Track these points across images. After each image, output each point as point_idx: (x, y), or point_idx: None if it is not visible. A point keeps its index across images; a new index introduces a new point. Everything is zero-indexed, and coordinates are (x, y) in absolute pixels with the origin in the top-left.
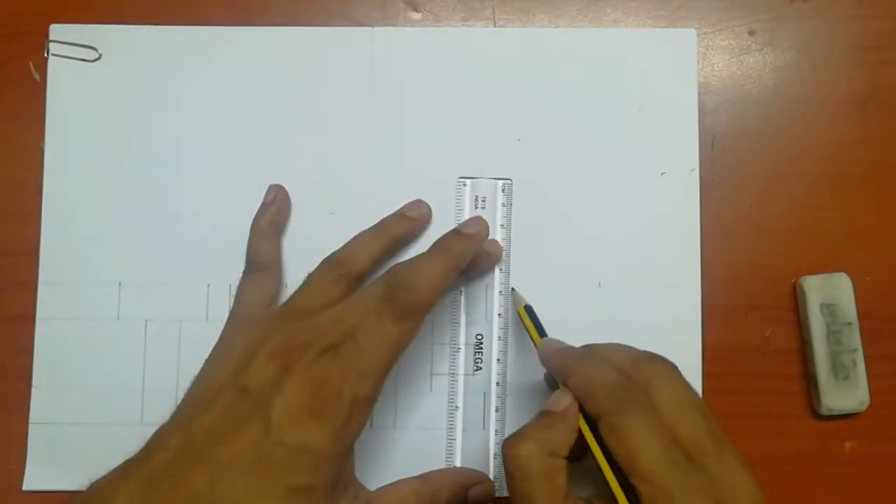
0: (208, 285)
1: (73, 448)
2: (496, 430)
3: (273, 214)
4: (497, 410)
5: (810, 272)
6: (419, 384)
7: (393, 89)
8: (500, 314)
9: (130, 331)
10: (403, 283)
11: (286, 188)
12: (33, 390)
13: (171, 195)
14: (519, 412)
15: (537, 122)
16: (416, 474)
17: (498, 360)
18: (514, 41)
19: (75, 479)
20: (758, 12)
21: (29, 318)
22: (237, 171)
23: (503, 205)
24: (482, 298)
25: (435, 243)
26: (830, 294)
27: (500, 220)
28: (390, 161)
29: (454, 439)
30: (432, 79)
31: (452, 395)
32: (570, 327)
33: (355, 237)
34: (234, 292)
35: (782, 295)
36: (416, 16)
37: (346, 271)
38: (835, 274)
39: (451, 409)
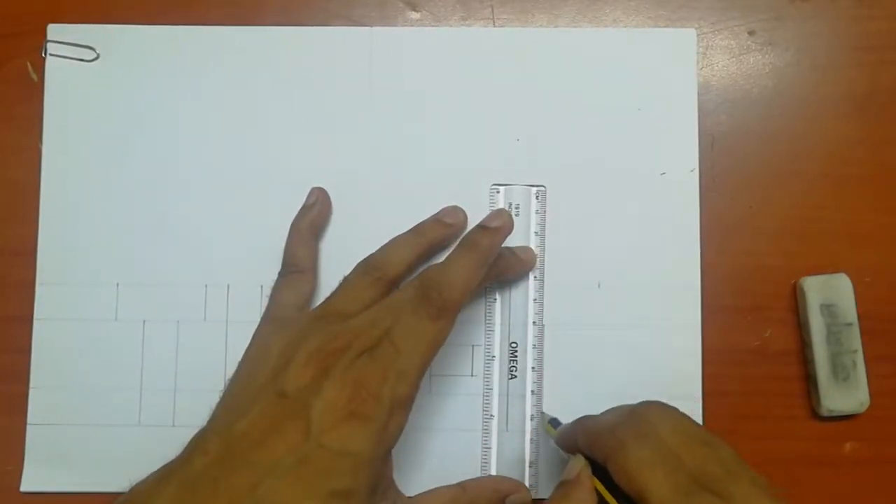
0: (206, 286)
1: (71, 449)
2: (532, 439)
3: (313, 217)
4: (532, 419)
5: (810, 273)
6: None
7: (392, 89)
8: (534, 322)
9: (128, 332)
10: (435, 282)
11: (326, 190)
12: (31, 391)
13: (170, 196)
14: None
15: (536, 123)
16: (449, 476)
17: (533, 368)
18: (513, 41)
19: (73, 480)
20: (757, 12)
21: (27, 319)
22: (235, 171)
23: (536, 212)
24: (517, 306)
25: (461, 241)
26: (830, 295)
27: (533, 227)
28: (389, 161)
29: (489, 447)
30: (431, 79)
31: (487, 403)
32: (570, 328)
33: (391, 241)
34: (231, 293)
35: (782, 296)
36: (415, 15)
37: (382, 275)
38: (835, 275)
39: (486, 417)
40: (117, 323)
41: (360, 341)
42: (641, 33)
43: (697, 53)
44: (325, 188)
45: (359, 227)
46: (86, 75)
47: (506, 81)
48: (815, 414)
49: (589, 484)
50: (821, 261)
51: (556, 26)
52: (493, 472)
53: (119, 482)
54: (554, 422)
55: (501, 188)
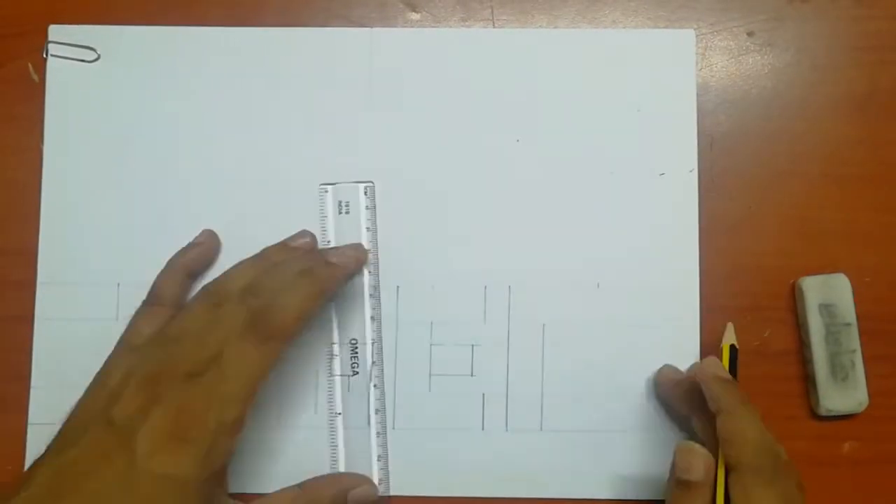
0: None
1: None
2: (378, 433)
3: (192, 258)
4: (377, 412)
5: (809, 273)
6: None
7: (392, 90)
8: (372, 317)
9: None
10: (267, 308)
11: (217, 234)
12: (32, 391)
13: (170, 196)
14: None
15: (536, 123)
16: (300, 475)
17: (373, 362)
18: (513, 42)
19: None
20: (757, 13)
21: (27, 319)
22: (235, 171)
23: (367, 208)
24: (354, 303)
25: (304, 269)
26: (829, 295)
27: (364, 223)
28: (388, 161)
29: (336, 445)
30: (431, 79)
31: (332, 401)
32: (569, 328)
33: (234, 266)
34: None
35: (781, 296)
36: (415, 16)
37: (220, 300)
38: (834, 275)
39: (332, 415)
40: (118, 323)
41: (186, 364)
42: (641, 34)
43: (696, 54)
44: (216, 233)
45: (357, 226)
46: (87, 76)
47: (505, 82)
48: (813, 414)
49: (713, 482)
50: (820, 261)
51: (555, 27)
52: (342, 470)
53: None
54: (733, 350)
55: (329, 187)
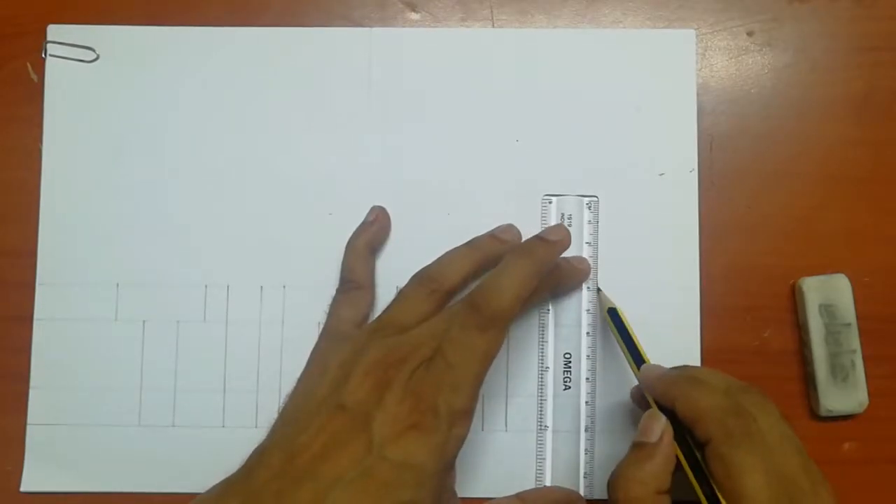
0: (206, 286)
1: (71, 449)
2: (586, 450)
3: (372, 235)
4: (587, 430)
5: (809, 273)
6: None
7: (391, 90)
8: (588, 332)
9: (128, 332)
10: (485, 292)
11: (385, 209)
12: (31, 391)
13: (169, 196)
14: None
15: (535, 123)
16: (503, 480)
17: (587, 378)
18: (513, 42)
19: (73, 480)
20: (756, 13)
21: (26, 319)
22: (235, 171)
23: (589, 222)
24: (570, 316)
25: (515, 248)
26: (829, 295)
27: (586, 237)
28: (388, 161)
29: (544, 458)
30: (430, 79)
31: (542, 413)
32: (569, 328)
33: (447, 253)
34: (231, 293)
35: (781, 296)
36: (415, 16)
37: (437, 287)
38: (833, 275)
39: (541, 429)
40: (117, 323)
41: (417, 353)
42: (640, 34)
43: (696, 54)
44: (385, 208)
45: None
46: (86, 76)
47: (505, 82)
48: (813, 414)
49: (670, 450)
50: (819, 261)
51: (555, 27)
52: (548, 483)
53: (119, 482)
54: (612, 313)
55: (554, 198)
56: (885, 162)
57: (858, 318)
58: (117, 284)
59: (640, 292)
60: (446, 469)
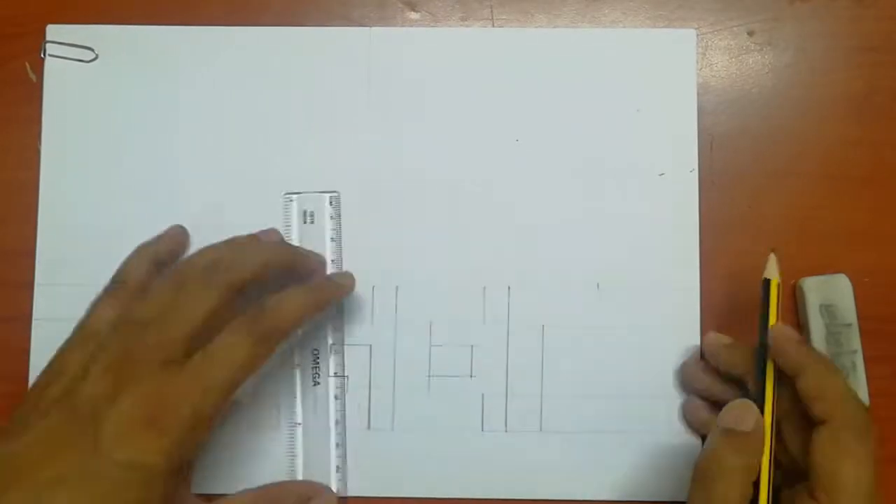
0: None
1: None
2: (337, 444)
3: (161, 246)
4: (337, 423)
5: (809, 273)
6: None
7: (391, 89)
8: (334, 328)
9: None
10: (268, 308)
11: (187, 230)
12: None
13: (169, 196)
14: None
15: (535, 123)
16: (255, 478)
17: (335, 373)
18: (513, 41)
19: None
20: (757, 13)
21: (25, 320)
22: (234, 171)
23: (331, 217)
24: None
25: (311, 283)
26: (830, 295)
27: (329, 233)
28: (388, 161)
29: (295, 455)
30: (430, 79)
31: (292, 411)
32: (569, 329)
33: (198, 250)
34: None
35: (781, 296)
36: (414, 16)
37: (184, 278)
38: (834, 275)
39: (290, 425)
40: None
41: (158, 351)
42: (641, 34)
43: (697, 54)
44: (186, 228)
45: (356, 226)
46: (85, 76)
47: (505, 82)
48: None
49: (763, 440)
50: (820, 261)
51: (555, 27)
52: (300, 478)
53: None
54: (778, 287)
55: (294, 196)
56: (885, 162)
57: (859, 318)
58: None
59: (640, 292)
60: (180, 471)
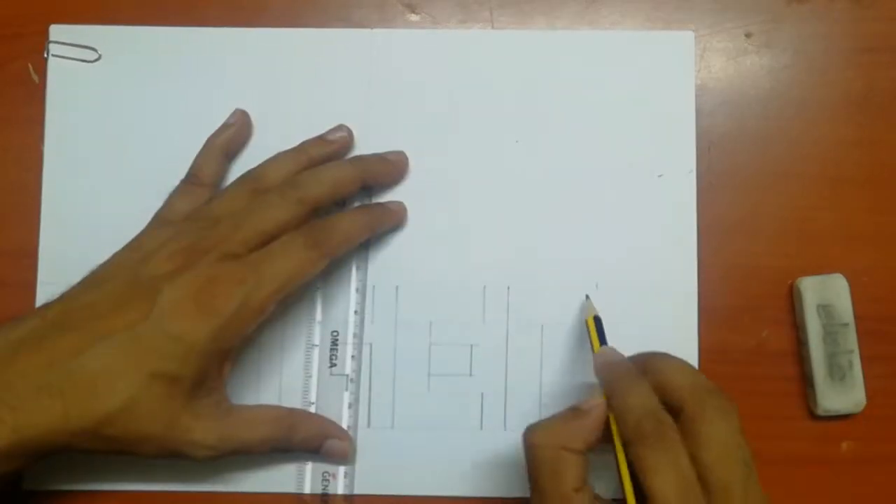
0: None
1: None
2: (349, 426)
3: (229, 136)
4: (350, 406)
5: (807, 273)
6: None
7: (391, 91)
8: (356, 311)
9: None
10: (326, 224)
11: (249, 114)
12: None
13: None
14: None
15: (535, 125)
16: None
17: (352, 356)
18: (512, 43)
19: (74, 478)
20: (755, 14)
21: None
22: (235, 171)
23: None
24: (339, 296)
25: (368, 207)
26: (827, 295)
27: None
28: None
29: None
30: (430, 80)
31: (306, 391)
32: (568, 329)
33: (274, 156)
34: None
35: (779, 296)
36: (415, 18)
37: (258, 185)
38: (831, 275)
39: (306, 404)
40: None
41: (223, 245)
42: (639, 36)
43: (695, 55)
44: (247, 112)
45: None
46: (87, 76)
47: (505, 83)
48: (811, 414)
49: (598, 423)
50: (817, 261)
51: (554, 29)
52: (309, 462)
53: (119, 480)
54: (597, 321)
55: None
56: (884, 162)
57: (856, 318)
58: None
59: (639, 293)
60: (219, 356)
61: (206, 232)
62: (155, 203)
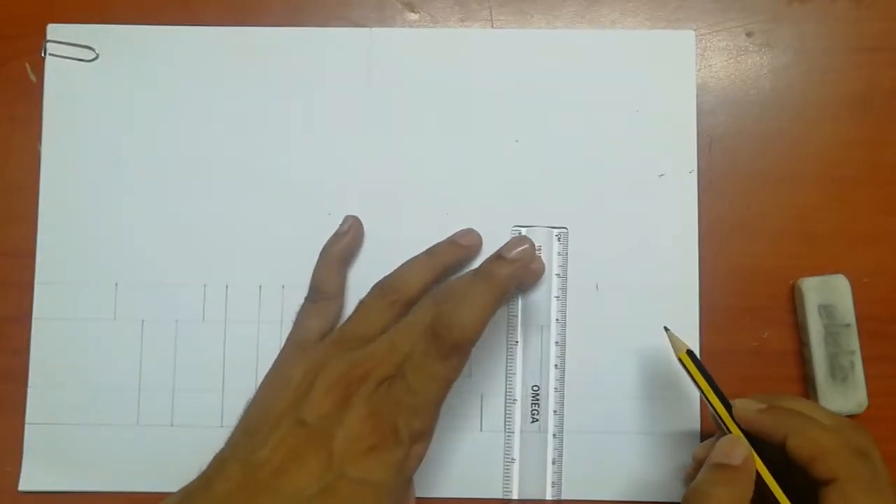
0: (205, 286)
1: (70, 448)
2: (553, 483)
3: (345, 245)
4: (554, 462)
5: (808, 274)
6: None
7: (390, 90)
8: (556, 365)
9: (127, 331)
10: (447, 320)
11: (359, 218)
12: (29, 391)
13: (168, 196)
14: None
15: (535, 124)
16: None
17: (555, 411)
18: (512, 42)
19: (71, 480)
20: (755, 13)
21: (25, 319)
22: (234, 171)
23: (559, 254)
24: (538, 349)
25: (477, 271)
26: (828, 296)
27: (555, 269)
28: (387, 162)
29: (510, 492)
30: (429, 80)
31: (508, 447)
32: (568, 330)
33: (406, 263)
34: (230, 293)
35: (780, 296)
36: (414, 16)
37: (398, 297)
38: (833, 275)
39: (507, 462)
40: (116, 322)
41: (378, 370)
42: (640, 35)
43: (696, 55)
44: (359, 217)
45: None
46: (85, 75)
47: (504, 83)
48: None
49: (752, 473)
50: (819, 262)
51: (554, 28)
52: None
53: (117, 481)
54: (691, 354)
55: (523, 230)
56: (885, 162)
57: (858, 318)
58: (116, 284)
59: (640, 293)
60: (405, 485)
61: (355, 355)
62: (153, 203)
